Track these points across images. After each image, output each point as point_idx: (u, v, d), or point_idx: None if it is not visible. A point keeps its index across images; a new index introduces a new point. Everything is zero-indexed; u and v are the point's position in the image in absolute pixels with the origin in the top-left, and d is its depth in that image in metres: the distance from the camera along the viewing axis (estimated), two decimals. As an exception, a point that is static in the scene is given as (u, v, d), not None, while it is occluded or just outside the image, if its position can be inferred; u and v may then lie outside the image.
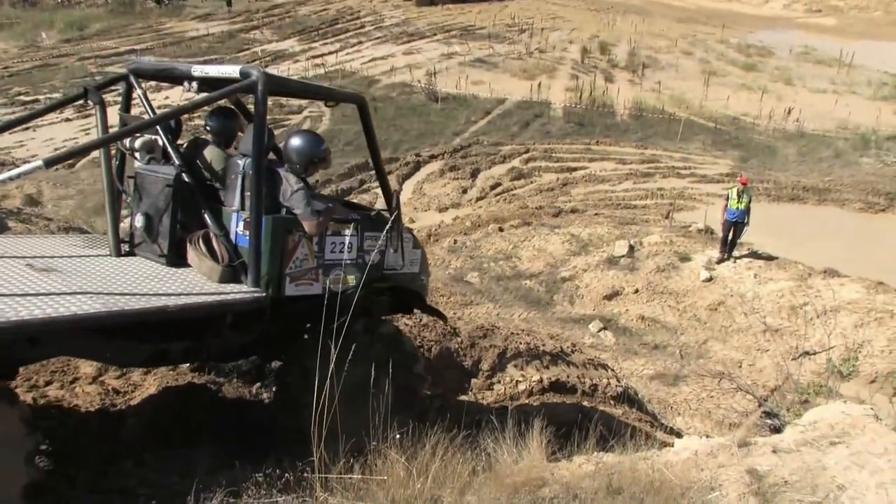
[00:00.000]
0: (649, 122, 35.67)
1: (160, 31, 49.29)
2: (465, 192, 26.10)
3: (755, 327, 16.69)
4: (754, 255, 19.29)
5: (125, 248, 5.60)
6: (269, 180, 5.14)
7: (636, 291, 18.01)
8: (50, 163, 4.61)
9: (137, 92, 5.90)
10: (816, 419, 5.09)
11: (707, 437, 11.38)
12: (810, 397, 9.09)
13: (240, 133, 5.85)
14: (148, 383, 6.69)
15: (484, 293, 16.92)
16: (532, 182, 27.47)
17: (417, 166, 27.97)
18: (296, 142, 5.37)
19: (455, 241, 21.05)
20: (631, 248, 19.36)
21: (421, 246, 6.41)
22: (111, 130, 5.62)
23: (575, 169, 28.91)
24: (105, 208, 5.55)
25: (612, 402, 10.43)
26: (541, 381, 9.77)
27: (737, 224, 18.19)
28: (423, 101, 36.24)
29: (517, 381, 9.75)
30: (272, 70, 39.51)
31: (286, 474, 4.45)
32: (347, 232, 5.45)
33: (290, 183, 5.17)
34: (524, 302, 17.02)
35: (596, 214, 23.55)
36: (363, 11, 56.92)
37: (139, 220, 5.38)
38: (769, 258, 19.23)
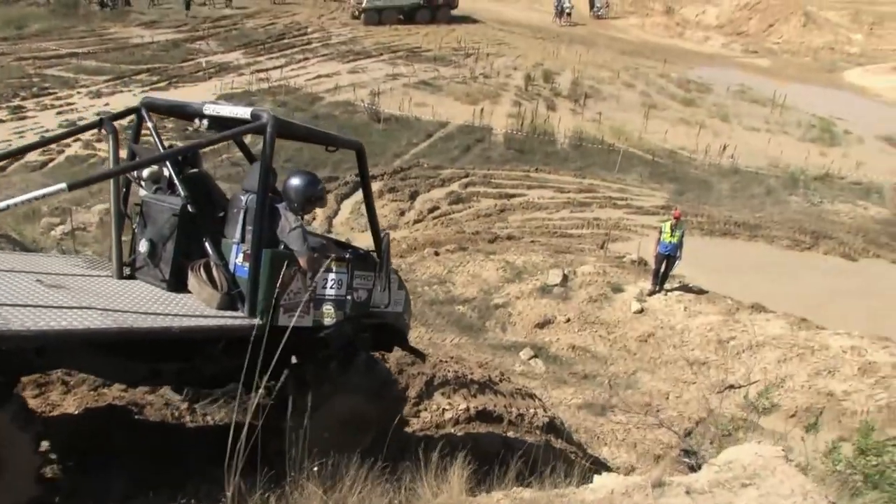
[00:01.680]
0: (589, 152, 36.14)
1: (103, 36, 48.30)
2: (402, 214, 26.05)
3: (683, 359, 16.94)
4: (685, 288, 19.60)
5: (126, 270, 5.94)
6: (268, 216, 5.49)
7: (568, 320, 18.12)
8: (73, 186, 4.96)
9: (148, 125, 6.26)
10: (731, 459, 5.13)
11: (626, 474, 11.44)
12: (732, 431, 9.20)
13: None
14: (67, 403, 6.46)
15: (416, 317, 16.82)
16: (470, 207, 27.54)
17: (357, 186, 27.79)
18: (295, 181, 5.79)
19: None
20: (565, 277, 19.48)
21: (405, 287, 6.72)
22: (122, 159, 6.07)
23: (513, 195, 29.09)
24: (111, 232, 5.98)
25: (537, 431, 10.41)
26: (467, 409, 9.71)
27: (669, 257, 18.47)
28: (366, 120, 36.18)
29: (444, 410, 9.67)
30: (215, 82, 39.21)
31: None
32: (340, 269, 5.80)
33: (288, 220, 5.52)
34: (456, 327, 16.98)
35: (532, 242, 23.69)
36: (310, 28, 56.68)
37: (143, 246, 5.75)
38: (700, 292, 19.57)
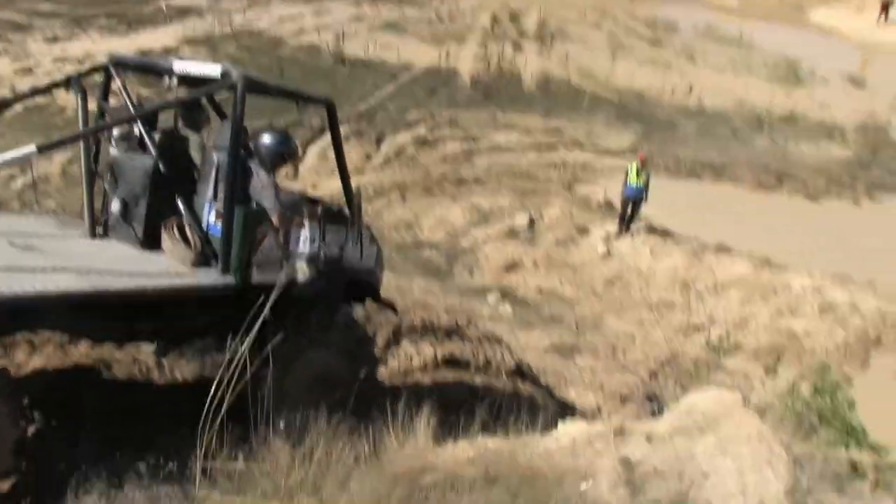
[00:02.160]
0: (555, 94, 35.89)
1: (55, -26, 46.79)
2: (369, 158, 25.76)
3: (649, 301, 17.15)
4: (651, 230, 19.75)
5: (99, 230, 6.02)
6: (240, 174, 5.54)
7: (535, 263, 18.23)
8: (43, 149, 5.04)
9: (117, 82, 6.27)
10: (691, 405, 5.24)
11: (592, 415, 11.64)
12: (694, 373, 9.40)
13: (207, 125, 6.33)
14: (33, 363, 6.37)
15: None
16: (437, 150, 27.33)
17: (322, 131, 27.47)
18: (266, 139, 5.86)
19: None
20: (531, 220, 19.55)
21: (377, 242, 6.88)
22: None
23: (480, 138, 28.90)
24: (83, 191, 6.00)
25: (504, 376, 10.53)
26: (435, 356, 9.78)
27: (635, 200, 18.58)
28: (331, 64, 35.54)
29: (411, 357, 9.75)
30: (177, 27, 38.28)
31: (169, 463, 4.39)
32: (312, 225, 5.87)
33: (260, 178, 5.61)
34: (424, 272, 16.99)
35: (499, 185, 23.65)
36: (272, -33, 55.36)
37: (116, 205, 5.81)
38: (665, 233, 19.74)
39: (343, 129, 27.35)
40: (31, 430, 5.02)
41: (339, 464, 4.42)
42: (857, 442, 7.26)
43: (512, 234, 19.16)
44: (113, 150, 6.18)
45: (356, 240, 6.26)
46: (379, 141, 27.41)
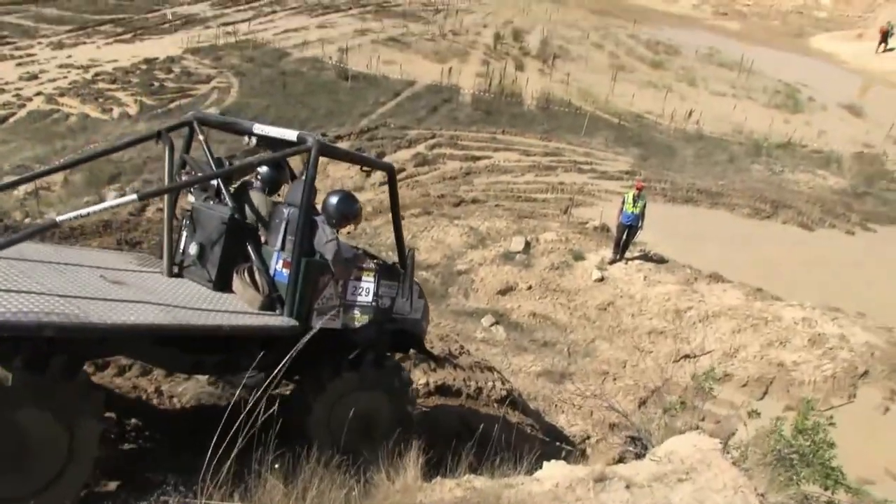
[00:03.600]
0: (556, 115, 36.15)
1: (60, -18, 47.12)
2: (368, 175, 25.94)
3: (641, 328, 17.31)
4: (646, 257, 19.95)
5: (174, 270, 6.48)
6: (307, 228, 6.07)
7: (529, 288, 18.40)
8: (143, 197, 5.66)
9: (199, 138, 6.74)
10: (671, 451, 5.40)
11: (581, 442, 11.80)
12: (679, 412, 9.56)
13: (285, 185, 6.80)
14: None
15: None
16: (436, 169, 27.54)
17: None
18: (334, 199, 6.36)
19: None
20: (527, 244, 19.73)
21: (425, 297, 7.37)
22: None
23: (479, 158, 29.09)
24: (163, 234, 6.46)
25: (495, 404, 10.70)
26: (427, 384, 9.95)
27: (630, 227, 18.76)
28: (334, 78, 35.81)
29: (405, 384, 9.88)
30: (181, 35, 38.51)
31: (168, 500, 4.56)
32: (368, 278, 6.48)
33: (325, 233, 6.10)
34: (420, 294, 17.14)
35: (496, 206, 23.84)
36: (278, -21, 55.73)
37: (193, 248, 6.30)
38: (660, 260, 19.93)
39: (344, 145, 27.75)
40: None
41: (332, 503, 4.59)
42: (835, 483, 7.45)
43: (507, 257, 19.33)
44: (190, 198, 6.71)
45: (407, 294, 6.82)
46: (379, 158, 27.63)
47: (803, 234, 25.90)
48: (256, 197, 6.56)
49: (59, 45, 35.92)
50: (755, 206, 27.41)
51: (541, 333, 16.85)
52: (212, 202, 6.56)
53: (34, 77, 31.28)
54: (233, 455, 4.28)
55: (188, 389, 7.30)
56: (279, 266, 6.13)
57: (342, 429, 5.87)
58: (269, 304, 5.99)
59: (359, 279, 6.43)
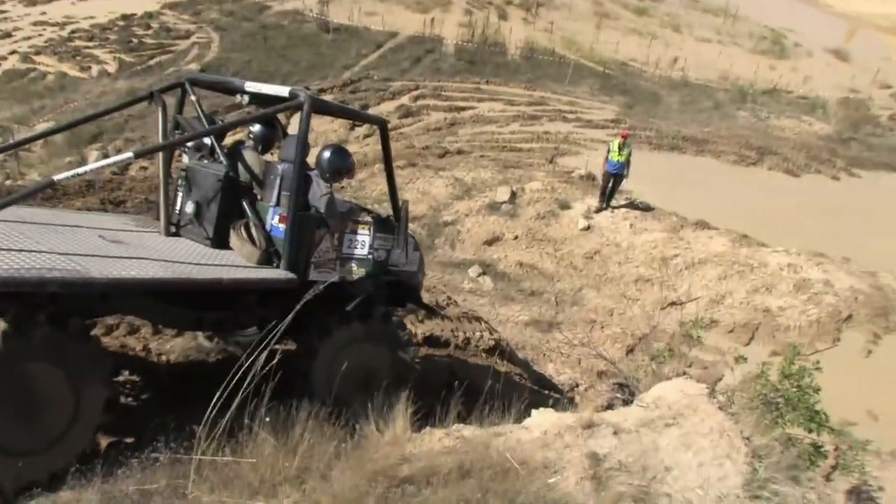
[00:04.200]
0: (540, 64, 35.87)
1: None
2: (353, 128, 25.76)
3: (628, 276, 17.34)
4: (632, 205, 19.90)
5: (171, 229, 6.53)
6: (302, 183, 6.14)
7: (516, 237, 18.36)
8: (139, 155, 5.78)
9: (191, 98, 6.79)
10: (658, 396, 5.41)
11: (570, 389, 11.87)
12: (666, 358, 9.61)
13: (277, 143, 6.87)
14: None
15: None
16: (420, 120, 27.33)
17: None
18: (327, 154, 6.39)
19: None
20: (513, 193, 19.65)
21: (419, 249, 7.44)
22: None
23: (463, 108, 28.89)
24: (160, 194, 6.50)
25: (483, 354, 10.70)
26: (415, 335, 9.92)
27: (616, 176, 18.68)
28: (315, 31, 35.34)
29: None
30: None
31: (159, 456, 4.55)
32: (363, 231, 6.56)
33: (319, 187, 6.18)
34: (406, 246, 17.08)
35: (481, 157, 23.70)
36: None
37: (189, 207, 6.36)
38: (646, 208, 19.89)
39: (327, 98, 27.40)
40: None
41: (323, 455, 4.59)
42: (819, 426, 7.52)
43: (493, 207, 19.25)
44: (185, 159, 6.79)
45: (402, 246, 6.90)
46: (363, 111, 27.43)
47: (789, 180, 25.94)
48: (249, 155, 6.61)
49: (32, 2, 35.23)
50: (741, 152, 27.40)
51: (528, 283, 16.85)
52: (206, 161, 6.61)
53: (8, 35, 30.74)
54: (231, 411, 4.28)
55: (175, 347, 7.27)
56: (275, 221, 6.19)
57: (342, 377, 5.92)
58: (267, 258, 6.05)
59: (354, 232, 6.52)
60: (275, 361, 4.93)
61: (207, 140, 6.60)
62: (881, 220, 22.29)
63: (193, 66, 29.15)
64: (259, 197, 6.43)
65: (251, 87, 6.48)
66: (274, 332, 4.88)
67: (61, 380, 4.66)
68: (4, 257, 4.54)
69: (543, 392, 10.46)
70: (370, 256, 6.65)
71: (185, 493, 4.16)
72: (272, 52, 31.65)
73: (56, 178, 5.14)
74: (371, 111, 27.42)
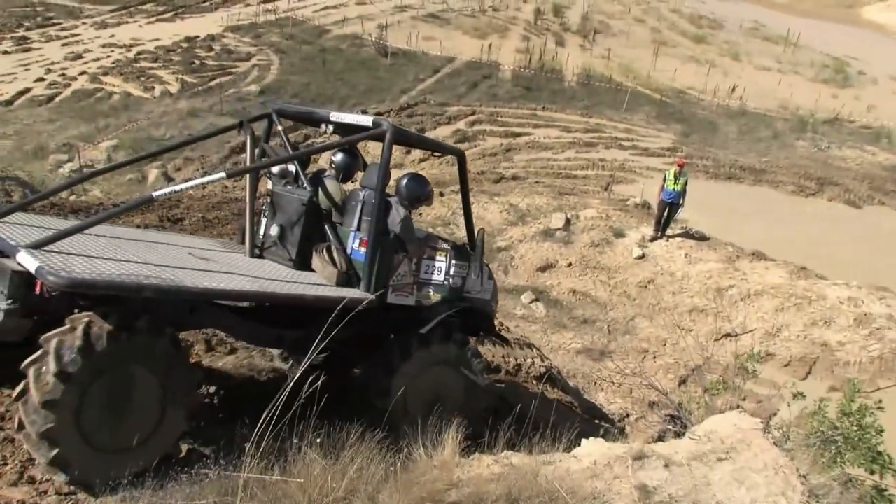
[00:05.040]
0: (596, 91, 35.82)
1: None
2: (408, 152, 26.02)
3: (682, 306, 17.13)
4: (687, 234, 19.69)
5: (255, 251, 6.80)
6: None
7: (569, 265, 18.26)
8: (231, 175, 6.13)
9: (278, 128, 7.07)
10: (711, 430, 5.33)
11: (620, 420, 11.74)
12: (721, 391, 9.44)
13: (358, 172, 7.01)
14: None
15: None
16: (476, 145, 27.47)
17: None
18: (406, 182, 6.55)
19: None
20: (567, 220, 19.59)
21: (493, 278, 7.50)
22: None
23: (519, 134, 28.97)
24: (245, 218, 6.84)
25: (534, 381, 10.66)
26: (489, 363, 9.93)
27: (672, 205, 18.50)
28: (373, 55, 35.84)
29: (444, 361, 9.89)
30: (222, 13, 38.76)
31: (209, 472, 4.61)
32: (440, 258, 6.72)
33: (399, 213, 6.27)
34: (459, 271, 17.12)
35: (536, 183, 23.70)
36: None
37: (274, 230, 6.59)
38: (701, 238, 19.66)
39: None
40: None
41: (371, 478, 4.62)
42: (882, 467, 7.30)
43: (548, 234, 19.20)
44: (269, 184, 6.97)
45: (477, 274, 7.01)
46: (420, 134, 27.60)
47: (850, 211, 25.41)
48: (330, 183, 6.77)
49: (103, 25, 36.41)
50: (800, 182, 26.95)
51: (581, 311, 16.74)
52: (290, 187, 6.81)
53: (79, 57, 31.75)
54: (279, 428, 4.34)
55: (227, 364, 7.39)
56: (356, 245, 6.36)
57: (418, 399, 6.18)
58: (347, 280, 6.21)
59: (432, 258, 6.67)
60: (319, 382, 5.02)
61: (292, 167, 6.79)
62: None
63: (253, 88, 29.76)
64: (340, 222, 6.60)
65: (336, 116, 6.64)
66: (315, 350, 5.01)
67: (154, 384, 4.87)
68: (106, 265, 4.81)
69: (594, 421, 10.35)
70: (446, 283, 6.79)
71: (233, 508, 4.22)
72: (330, 75, 32.17)
73: (154, 194, 5.34)
74: (428, 135, 27.69)
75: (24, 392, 4.54)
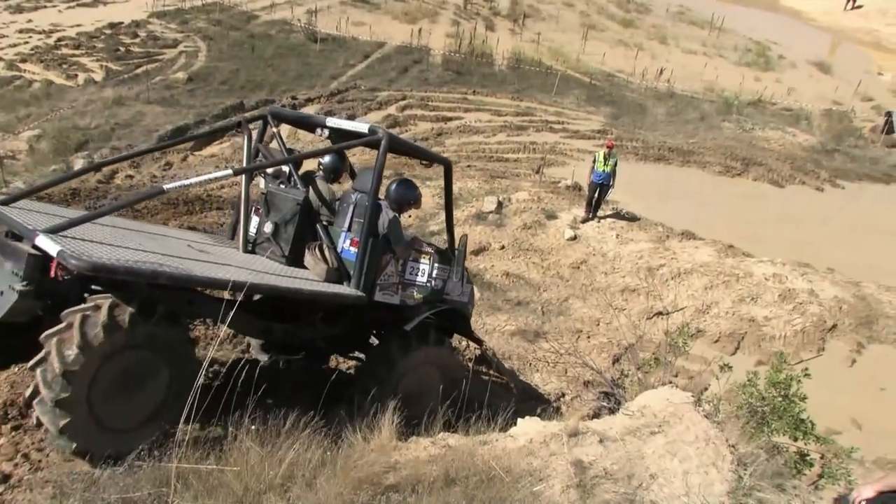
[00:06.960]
0: (526, 75, 35.97)
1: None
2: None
3: (614, 286, 17.36)
4: (618, 215, 19.96)
5: (248, 247, 7.10)
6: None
7: (502, 247, 18.34)
8: (238, 172, 6.17)
9: (272, 130, 7.39)
10: (644, 405, 5.41)
11: (556, 399, 11.84)
12: (652, 368, 9.62)
13: (345, 174, 7.42)
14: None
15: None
16: (407, 130, 27.32)
17: (294, 109, 27.36)
18: (396, 186, 6.99)
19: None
20: (500, 203, 19.65)
21: (472, 282, 7.99)
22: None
23: (450, 119, 28.92)
24: (240, 215, 7.11)
25: (470, 364, 10.70)
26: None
27: (602, 186, 18.73)
28: (303, 40, 35.34)
29: (379, 345, 9.86)
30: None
31: (143, 464, 4.53)
32: (424, 260, 7.13)
33: (388, 215, 6.67)
34: (392, 255, 17.05)
35: (468, 167, 23.72)
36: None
37: (268, 227, 6.89)
38: (632, 219, 19.95)
39: (314, 108, 27.44)
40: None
41: (308, 464, 4.58)
42: (804, 434, 7.57)
43: (480, 217, 19.23)
44: (261, 184, 7.21)
45: (457, 277, 7.45)
46: (350, 121, 27.30)
47: (774, 190, 26.09)
48: (321, 184, 7.11)
49: (19, 9, 35.09)
50: (726, 163, 27.54)
51: (514, 293, 16.83)
52: (284, 186, 7.08)
53: (-7, 42, 30.58)
54: (216, 415, 4.25)
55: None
56: (346, 245, 6.69)
57: (406, 392, 6.46)
58: (337, 277, 6.52)
59: (417, 260, 7.06)
60: (258, 370, 5.03)
61: (285, 168, 7.05)
62: (864, 230, 22.45)
63: (181, 75, 29.06)
64: (330, 222, 6.93)
65: (332, 122, 6.99)
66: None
67: (163, 369, 5.14)
68: (119, 252, 5.02)
69: (530, 401, 10.44)
70: (429, 284, 7.16)
71: (168, 502, 4.13)
72: (260, 61, 31.62)
73: (165, 187, 5.65)
74: (357, 120, 27.41)
75: (43, 360, 4.71)
